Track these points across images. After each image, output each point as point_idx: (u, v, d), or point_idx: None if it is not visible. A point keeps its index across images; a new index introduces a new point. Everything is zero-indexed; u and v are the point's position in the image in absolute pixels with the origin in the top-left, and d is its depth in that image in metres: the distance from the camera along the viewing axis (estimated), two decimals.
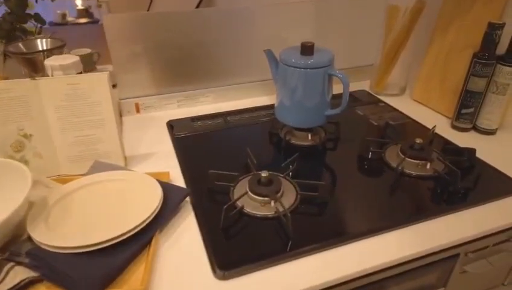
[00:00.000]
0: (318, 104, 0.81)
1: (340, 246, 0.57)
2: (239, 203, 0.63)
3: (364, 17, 1.09)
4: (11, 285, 0.48)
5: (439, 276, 0.68)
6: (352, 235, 0.59)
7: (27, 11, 0.96)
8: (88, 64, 1.01)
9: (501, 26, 0.78)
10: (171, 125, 0.92)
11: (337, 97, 0.82)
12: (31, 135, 0.69)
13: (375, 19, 1.08)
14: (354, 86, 1.10)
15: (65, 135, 0.70)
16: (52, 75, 0.73)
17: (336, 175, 0.74)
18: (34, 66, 0.90)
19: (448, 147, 0.83)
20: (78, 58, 0.76)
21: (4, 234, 0.52)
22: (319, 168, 0.77)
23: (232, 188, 0.68)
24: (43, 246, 0.52)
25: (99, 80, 0.68)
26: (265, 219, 0.62)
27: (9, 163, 0.60)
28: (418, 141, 0.76)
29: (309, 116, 0.83)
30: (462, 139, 0.85)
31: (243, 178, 0.70)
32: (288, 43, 0.87)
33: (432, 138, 0.85)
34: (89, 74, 0.70)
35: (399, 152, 0.77)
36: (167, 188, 0.64)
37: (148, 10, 1.10)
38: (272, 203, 0.64)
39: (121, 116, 0.97)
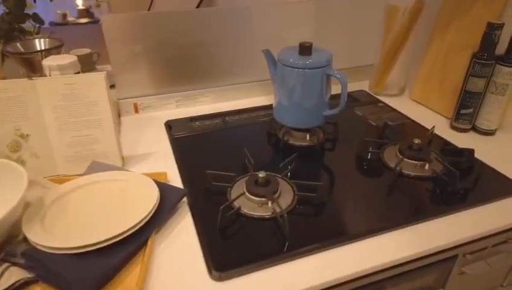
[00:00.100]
0: (316, 104, 0.80)
1: (339, 246, 0.57)
2: (236, 204, 0.63)
3: (364, 17, 1.09)
4: (6, 286, 0.48)
5: (437, 277, 0.68)
6: (351, 236, 0.58)
7: (25, 11, 0.96)
8: (87, 65, 1.00)
9: (500, 27, 0.78)
10: (170, 125, 0.92)
11: (336, 97, 0.82)
12: (27, 135, 0.69)
13: (374, 19, 1.08)
14: (353, 86, 1.10)
15: (62, 135, 0.70)
16: (49, 75, 0.73)
17: (334, 176, 0.74)
18: (32, 66, 0.90)
19: (447, 147, 0.83)
20: (75, 58, 0.76)
21: None
22: (317, 168, 0.77)
23: (229, 189, 0.67)
24: (38, 247, 0.52)
25: (96, 80, 0.68)
26: (262, 219, 0.61)
27: (6, 163, 0.60)
28: (417, 141, 0.76)
29: (307, 117, 0.82)
30: (461, 140, 0.85)
31: (240, 178, 0.70)
32: (287, 43, 0.86)
33: (431, 138, 0.85)
34: (86, 74, 0.70)
35: (397, 153, 0.77)
36: (164, 188, 0.64)
37: (149, 10, 1.09)
38: (269, 203, 0.63)
39: (119, 116, 0.96)
